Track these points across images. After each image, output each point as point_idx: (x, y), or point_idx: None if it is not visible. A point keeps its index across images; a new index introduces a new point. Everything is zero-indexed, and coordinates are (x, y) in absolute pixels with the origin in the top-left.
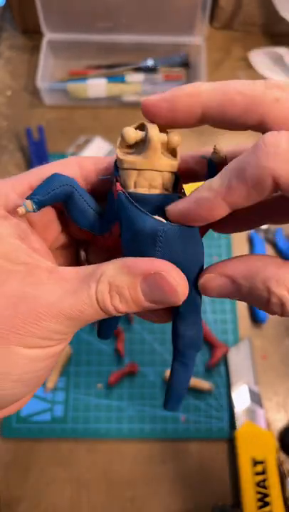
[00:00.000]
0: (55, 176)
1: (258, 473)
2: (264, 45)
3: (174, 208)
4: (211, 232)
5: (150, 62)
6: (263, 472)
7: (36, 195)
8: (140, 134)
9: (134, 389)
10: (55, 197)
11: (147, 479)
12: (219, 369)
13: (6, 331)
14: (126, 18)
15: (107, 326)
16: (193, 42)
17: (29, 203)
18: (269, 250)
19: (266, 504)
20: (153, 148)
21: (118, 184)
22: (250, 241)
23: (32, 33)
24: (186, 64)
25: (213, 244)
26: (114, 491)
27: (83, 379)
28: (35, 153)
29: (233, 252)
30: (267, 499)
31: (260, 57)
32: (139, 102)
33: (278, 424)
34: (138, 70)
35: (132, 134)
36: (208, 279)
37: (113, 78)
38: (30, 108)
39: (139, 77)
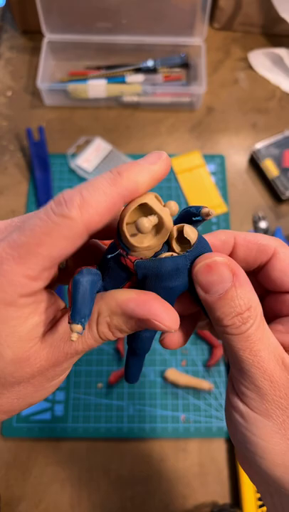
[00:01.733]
0: (86, 288)
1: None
2: (263, 46)
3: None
4: (210, 232)
5: (150, 63)
6: None
7: (81, 317)
8: (153, 221)
9: (134, 388)
10: (87, 298)
11: (147, 478)
12: (219, 369)
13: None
14: (126, 19)
15: (136, 370)
16: (193, 42)
17: (79, 328)
18: None
19: None
20: (167, 232)
21: (131, 258)
22: None
23: (32, 34)
24: (186, 64)
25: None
26: (114, 491)
27: (83, 378)
28: (36, 154)
29: None
30: None
31: (259, 58)
32: (139, 103)
33: None
34: (138, 70)
35: (148, 224)
36: (216, 263)
37: (113, 79)
38: (31, 108)
39: (139, 77)
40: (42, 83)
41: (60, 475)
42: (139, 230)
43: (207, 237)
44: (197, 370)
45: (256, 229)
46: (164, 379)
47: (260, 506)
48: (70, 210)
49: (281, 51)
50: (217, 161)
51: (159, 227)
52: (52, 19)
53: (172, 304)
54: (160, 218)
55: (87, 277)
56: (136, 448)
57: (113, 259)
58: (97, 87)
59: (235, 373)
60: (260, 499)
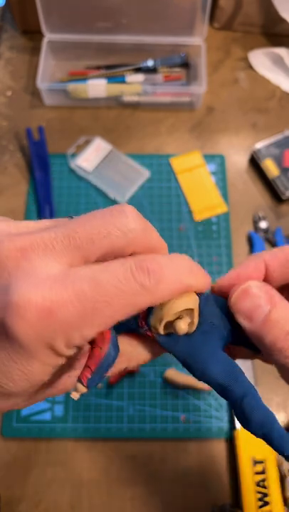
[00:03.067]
0: (111, 362)
1: (257, 473)
2: (264, 46)
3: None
4: (210, 232)
5: (150, 63)
6: (263, 472)
7: (95, 385)
8: (188, 323)
9: (134, 388)
10: (107, 371)
11: (147, 479)
12: None
13: None
14: (126, 18)
15: None
16: (193, 42)
17: (83, 389)
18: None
19: (266, 504)
20: (193, 327)
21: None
22: (250, 241)
23: (32, 34)
24: (186, 64)
25: (212, 244)
26: (115, 491)
27: None
28: (36, 154)
29: (233, 252)
30: (267, 499)
31: (259, 58)
32: (139, 103)
33: None
34: (138, 70)
35: (184, 327)
36: (251, 288)
37: (113, 78)
38: (31, 108)
39: (139, 77)
40: (42, 83)
41: (60, 475)
42: (175, 331)
43: (238, 269)
44: None
45: (256, 229)
46: (164, 379)
47: (261, 506)
48: (151, 283)
49: (281, 51)
50: (217, 160)
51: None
52: (52, 19)
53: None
54: (192, 324)
55: (116, 351)
56: (136, 448)
57: (128, 322)
58: (97, 87)
59: None
60: (260, 499)
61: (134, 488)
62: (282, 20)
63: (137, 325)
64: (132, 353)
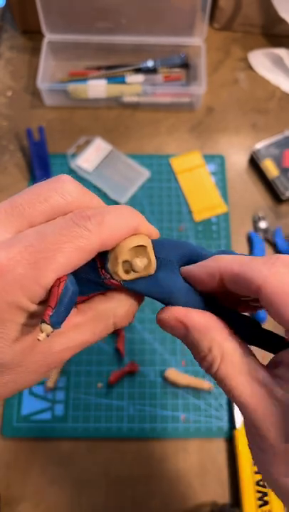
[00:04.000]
0: (73, 297)
1: (257, 473)
2: (263, 46)
3: (185, 269)
4: (210, 232)
5: (150, 63)
6: None
7: (59, 321)
8: (145, 262)
9: (134, 388)
10: (70, 307)
11: (147, 478)
12: None
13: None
14: (126, 19)
15: None
16: (193, 43)
17: (49, 330)
18: (268, 250)
19: (265, 503)
20: (152, 266)
21: (114, 281)
22: (250, 241)
23: (32, 34)
24: (185, 65)
25: (212, 244)
26: (115, 491)
27: (83, 378)
28: (36, 154)
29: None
30: (266, 498)
31: (259, 58)
32: (139, 103)
33: None
34: (138, 70)
35: (141, 265)
36: (166, 318)
37: (113, 79)
38: (31, 108)
39: (139, 77)
40: (42, 83)
41: (60, 475)
42: (133, 270)
43: (195, 267)
44: (197, 369)
45: (256, 229)
46: (164, 379)
47: (260, 506)
48: (93, 225)
49: (281, 51)
50: (217, 161)
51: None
52: (52, 19)
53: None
54: (149, 261)
55: (75, 287)
56: (136, 448)
57: (89, 276)
58: (97, 87)
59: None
60: (260, 499)
61: (134, 488)
62: (281, 20)
63: (99, 277)
64: (114, 307)
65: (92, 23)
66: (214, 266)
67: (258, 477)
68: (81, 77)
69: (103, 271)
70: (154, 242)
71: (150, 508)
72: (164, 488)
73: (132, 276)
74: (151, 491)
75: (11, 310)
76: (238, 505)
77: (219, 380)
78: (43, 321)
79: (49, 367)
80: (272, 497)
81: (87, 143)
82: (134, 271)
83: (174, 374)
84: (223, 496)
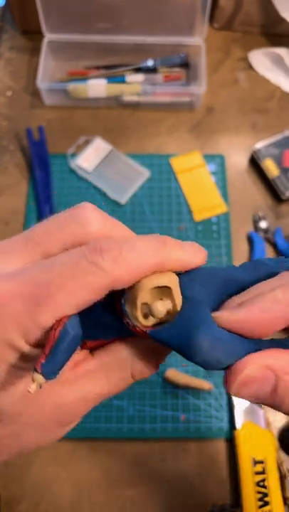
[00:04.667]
0: (72, 344)
1: (257, 473)
2: (264, 46)
3: (231, 315)
4: (210, 232)
5: (150, 63)
6: (263, 472)
7: (54, 371)
8: (167, 306)
9: (134, 389)
10: (69, 354)
11: (147, 479)
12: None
13: None
14: (126, 18)
15: None
16: (193, 42)
17: (42, 381)
18: (269, 250)
19: (266, 504)
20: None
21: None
22: (250, 241)
23: (32, 34)
24: (185, 64)
25: (213, 244)
26: (114, 491)
27: None
28: (36, 154)
29: (233, 251)
30: (266, 499)
31: (259, 58)
32: (139, 103)
33: (278, 424)
34: (138, 70)
35: (162, 309)
36: (252, 370)
37: (113, 78)
38: (31, 108)
39: (139, 77)
40: (42, 83)
41: (60, 475)
42: (152, 314)
43: (256, 315)
44: (197, 370)
45: (256, 229)
46: (164, 379)
47: (261, 507)
48: (105, 262)
49: (281, 51)
50: (217, 160)
51: (169, 311)
52: (52, 19)
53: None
54: (174, 305)
55: (77, 331)
56: (136, 448)
57: (106, 319)
58: (97, 87)
59: None
60: (260, 499)
61: (134, 488)
62: (282, 20)
63: (118, 321)
64: (132, 355)
65: (92, 22)
66: (278, 312)
67: (259, 477)
68: (81, 77)
69: (126, 319)
70: (184, 277)
71: (150, 508)
72: (164, 488)
73: (151, 322)
74: (151, 491)
75: (2, 347)
76: (239, 505)
77: None
78: (35, 370)
79: (61, 423)
80: (272, 497)
81: (87, 143)
82: (152, 315)
83: (174, 374)
84: (223, 497)
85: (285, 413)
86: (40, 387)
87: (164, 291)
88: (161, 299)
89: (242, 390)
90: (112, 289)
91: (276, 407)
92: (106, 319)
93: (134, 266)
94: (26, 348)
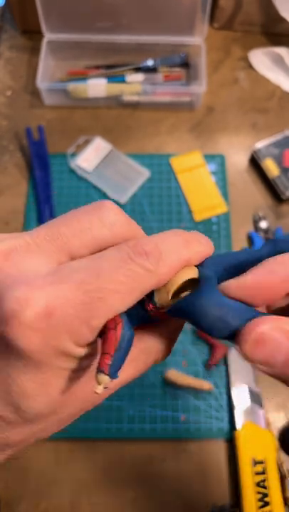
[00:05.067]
0: (130, 344)
1: (258, 473)
2: (264, 45)
3: (238, 282)
4: (210, 232)
5: (150, 63)
6: (263, 472)
7: (116, 371)
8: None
9: (134, 389)
10: (127, 353)
11: (147, 479)
12: (219, 369)
13: None
14: (126, 18)
15: None
16: (193, 42)
17: (107, 381)
18: None
19: (266, 504)
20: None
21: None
22: (250, 241)
23: (32, 34)
24: (186, 64)
25: (213, 244)
26: (114, 491)
27: None
28: (36, 153)
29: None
30: (267, 499)
31: (259, 57)
32: (139, 102)
33: (278, 424)
34: (138, 70)
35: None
36: (276, 331)
37: (113, 78)
38: (30, 108)
39: (139, 77)
40: (42, 83)
41: (60, 475)
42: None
43: (262, 276)
44: (197, 370)
45: (256, 229)
46: (164, 379)
47: (261, 507)
48: (152, 264)
49: (281, 50)
50: (217, 160)
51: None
52: (52, 19)
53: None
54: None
55: (131, 331)
56: (136, 448)
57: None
58: (97, 87)
59: None
60: (260, 500)
61: (134, 489)
62: (282, 19)
63: (142, 308)
64: (155, 342)
65: (92, 22)
66: (285, 273)
67: (259, 478)
68: (81, 77)
69: (150, 305)
70: (203, 265)
71: (150, 508)
72: (164, 489)
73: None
74: (151, 492)
75: (53, 355)
76: (239, 506)
77: None
78: (101, 371)
79: (81, 412)
80: (272, 498)
81: (87, 142)
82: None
83: (174, 375)
84: (223, 497)
85: None
86: (105, 388)
87: (188, 282)
88: (186, 290)
89: (255, 351)
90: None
91: (286, 379)
92: (130, 310)
93: (173, 264)
94: (78, 352)
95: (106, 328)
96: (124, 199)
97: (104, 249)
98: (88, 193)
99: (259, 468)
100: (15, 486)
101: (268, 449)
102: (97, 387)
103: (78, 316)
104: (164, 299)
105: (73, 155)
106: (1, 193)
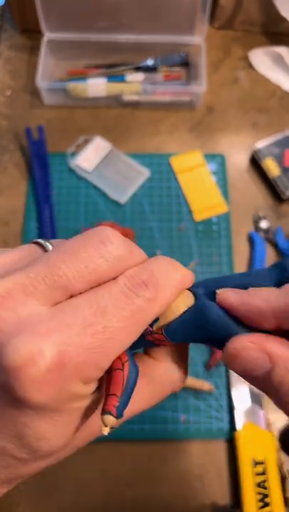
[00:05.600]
0: (135, 384)
1: (258, 474)
2: (264, 45)
3: (226, 294)
4: (210, 232)
5: (150, 62)
6: (264, 473)
7: (122, 411)
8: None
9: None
10: (132, 391)
11: (147, 480)
12: (219, 369)
13: None
14: (126, 17)
15: None
16: (193, 41)
17: (113, 422)
18: (269, 250)
19: (266, 505)
20: None
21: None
22: (251, 241)
23: (32, 33)
24: (186, 63)
25: (213, 244)
26: (114, 492)
27: None
28: (35, 153)
29: (233, 252)
30: (267, 500)
31: (260, 57)
32: (139, 102)
33: (279, 424)
34: (138, 69)
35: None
36: (246, 348)
37: (113, 78)
38: (30, 108)
39: (139, 76)
40: (41, 82)
41: (60, 475)
42: None
43: (250, 299)
44: (198, 370)
45: (257, 229)
46: None
47: (261, 507)
48: (152, 293)
49: (282, 50)
50: (217, 160)
51: None
52: (51, 18)
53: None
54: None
55: (137, 367)
56: (136, 449)
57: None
58: (97, 86)
59: None
60: (260, 500)
61: (134, 490)
62: (282, 19)
63: (142, 337)
64: (170, 369)
65: (92, 21)
66: (264, 306)
67: (259, 478)
68: (80, 76)
69: (152, 334)
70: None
71: (150, 509)
72: (164, 489)
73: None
74: (151, 493)
75: (67, 400)
76: (239, 506)
77: None
78: (107, 413)
79: (90, 439)
80: (273, 498)
81: (87, 142)
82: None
83: None
84: (223, 498)
85: (277, 403)
86: (112, 428)
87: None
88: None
89: (233, 362)
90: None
91: (270, 394)
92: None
93: (172, 289)
94: (88, 390)
95: (112, 368)
96: (124, 199)
97: (103, 282)
98: (88, 192)
99: (259, 468)
100: (14, 487)
101: (269, 450)
102: (104, 429)
103: (88, 360)
104: (162, 326)
105: (73, 155)
106: (0, 192)
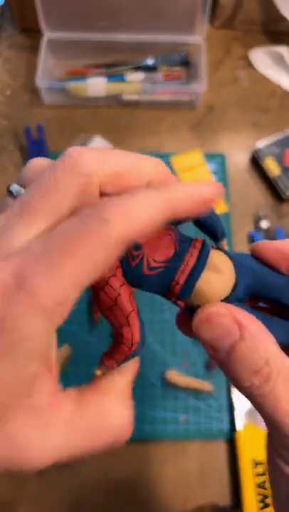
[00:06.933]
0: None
1: (258, 475)
2: (264, 44)
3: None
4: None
5: (150, 61)
6: (264, 473)
7: (115, 368)
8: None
9: (134, 389)
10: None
11: (147, 480)
12: (220, 370)
13: None
14: (126, 17)
15: None
16: (194, 41)
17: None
18: None
19: (267, 505)
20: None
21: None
22: (251, 241)
23: (31, 32)
24: (186, 63)
25: (213, 244)
26: (114, 493)
27: (83, 379)
28: (35, 153)
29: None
30: (267, 500)
31: (260, 56)
32: (139, 101)
33: None
34: (138, 68)
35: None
36: (218, 315)
37: (113, 77)
38: (30, 107)
39: (139, 76)
40: (41, 81)
41: (60, 477)
42: None
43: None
44: (198, 370)
45: (257, 229)
46: (164, 380)
47: (262, 508)
48: (108, 214)
49: (282, 49)
50: (218, 160)
51: None
52: (51, 17)
53: None
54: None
55: (142, 347)
56: (135, 449)
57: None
58: (97, 86)
59: (272, 434)
60: (261, 501)
61: (134, 490)
62: (283, 18)
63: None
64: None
65: (92, 21)
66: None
67: (260, 479)
68: (80, 76)
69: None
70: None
71: (150, 509)
72: (164, 490)
73: None
74: (151, 493)
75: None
76: (239, 507)
77: (270, 400)
78: (102, 368)
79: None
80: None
81: (87, 142)
82: None
83: (174, 375)
84: (223, 498)
85: (233, 380)
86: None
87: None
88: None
89: (202, 328)
90: (127, 245)
91: (227, 370)
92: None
93: (140, 213)
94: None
95: (122, 336)
96: None
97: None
98: None
99: (260, 469)
100: (14, 487)
101: None
102: (98, 371)
103: (42, 286)
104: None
105: None
106: (0, 192)
